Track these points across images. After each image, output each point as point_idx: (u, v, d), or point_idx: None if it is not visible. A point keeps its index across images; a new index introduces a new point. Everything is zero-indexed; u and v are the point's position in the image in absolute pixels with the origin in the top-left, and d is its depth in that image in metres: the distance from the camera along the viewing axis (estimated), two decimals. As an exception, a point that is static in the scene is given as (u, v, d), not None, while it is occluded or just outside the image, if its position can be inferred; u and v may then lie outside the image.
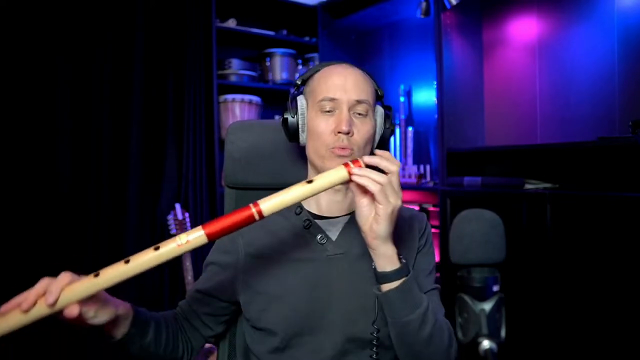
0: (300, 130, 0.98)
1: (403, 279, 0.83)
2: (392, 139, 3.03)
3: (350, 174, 0.79)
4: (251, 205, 0.74)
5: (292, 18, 3.10)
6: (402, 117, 2.77)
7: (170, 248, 0.72)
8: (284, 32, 2.98)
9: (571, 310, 1.72)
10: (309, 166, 1.02)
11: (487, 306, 0.56)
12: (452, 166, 2.31)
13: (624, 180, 1.80)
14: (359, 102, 0.93)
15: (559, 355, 1.76)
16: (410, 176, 2.63)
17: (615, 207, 1.58)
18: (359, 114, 0.94)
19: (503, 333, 0.56)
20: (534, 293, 1.83)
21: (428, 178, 2.56)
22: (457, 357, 0.92)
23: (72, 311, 0.71)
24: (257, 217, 0.74)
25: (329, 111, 0.94)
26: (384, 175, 0.79)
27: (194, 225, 2.51)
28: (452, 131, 2.32)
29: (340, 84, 0.93)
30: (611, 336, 1.60)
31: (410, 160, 2.70)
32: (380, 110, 1.00)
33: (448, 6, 2.25)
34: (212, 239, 0.73)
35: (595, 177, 1.92)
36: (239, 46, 2.98)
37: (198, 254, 2.55)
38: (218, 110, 2.68)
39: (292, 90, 1.03)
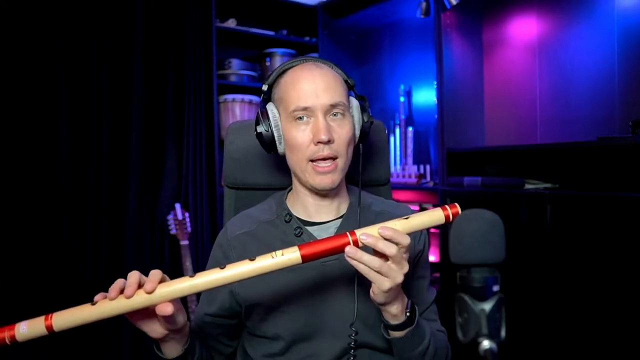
0: (277, 142, 0.94)
1: (407, 330, 0.85)
2: (392, 138, 3.02)
3: (447, 218, 0.76)
4: (348, 234, 0.75)
5: (292, 18, 3.10)
6: (402, 117, 2.77)
7: (265, 260, 0.72)
8: (284, 32, 2.98)
9: (571, 310, 1.72)
10: (292, 175, 1.00)
11: (487, 306, 0.56)
12: (452, 166, 2.31)
13: (624, 180, 1.80)
14: (333, 105, 0.90)
15: (559, 355, 1.76)
16: (410, 176, 2.63)
17: (615, 207, 1.58)
18: (335, 116, 0.91)
19: (503, 333, 0.56)
20: (534, 293, 1.83)
21: (428, 178, 2.56)
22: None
23: (167, 308, 0.71)
24: (351, 243, 0.75)
25: (303, 120, 0.90)
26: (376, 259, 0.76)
27: (193, 225, 2.51)
28: (452, 131, 2.32)
29: (311, 90, 0.89)
30: (611, 336, 1.60)
31: (410, 160, 2.70)
32: (354, 103, 0.97)
33: (448, 6, 2.25)
34: (305, 260, 0.73)
35: (595, 177, 1.92)
36: (239, 46, 2.97)
37: (198, 254, 2.54)
38: (218, 110, 2.68)
39: (261, 98, 0.99)
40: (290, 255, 0.72)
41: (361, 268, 0.76)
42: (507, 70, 2.37)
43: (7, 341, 0.66)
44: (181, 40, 2.58)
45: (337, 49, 3.08)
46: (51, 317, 0.67)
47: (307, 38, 3.07)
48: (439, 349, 0.93)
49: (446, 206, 0.76)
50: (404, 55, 2.90)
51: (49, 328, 0.67)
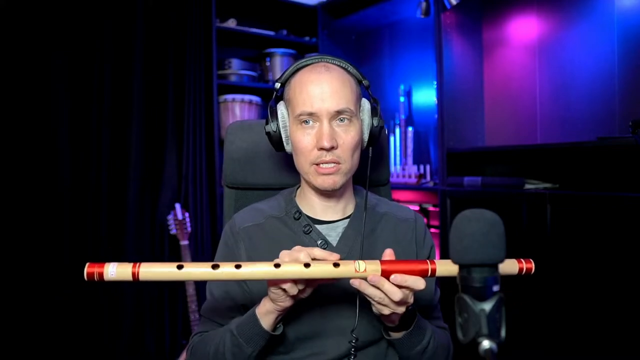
0: (284, 142, 0.96)
1: (404, 332, 0.90)
2: (392, 139, 3.02)
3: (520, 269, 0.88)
4: (428, 261, 0.78)
5: (292, 18, 3.10)
6: (402, 117, 2.77)
7: (347, 269, 0.77)
8: (284, 32, 2.98)
9: (571, 310, 1.72)
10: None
11: (487, 306, 0.56)
12: (452, 166, 2.31)
13: (624, 180, 1.80)
14: (339, 112, 0.89)
15: (559, 355, 1.76)
16: (410, 176, 2.63)
17: (615, 207, 1.58)
18: (342, 121, 0.91)
19: (503, 333, 0.56)
20: (534, 293, 1.83)
21: (428, 178, 2.56)
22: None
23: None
24: (430, 273, 0.77)
25: (309, 124, 0.90)
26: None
27: (193, 225, 2.51)
28: (452, 131, 2.32)
29: (318, 95, 0.89)
30: (611, 336, 1.60)
31: (410, 160, 2.71)
32: (366, 106, 0.97)
33: (448, 6, 2.25)
34: (385, 275, 0.77)
35: (595, 177, 1.92)
36: (239, 46, 2.98)
37: (198, 254, 2.54)
38: (218, 110, 2.68)
39: (274, 95, 0.98)
40: (373, 268, 0.76)
41: (365, 295, 0.81)
42: (507, 70, 2.37)
43: (95, 277, 0.72)
44: (181, 40, 2.58)
45: (337, 49, 3.08)
46: (139, 266, 0.73)
47: (307, 38, 3.07)
48: (440, 347, 0.95)
49: (521, 259, 0.84)
50: (404, 55, 2.90)
51: (135, 275, 0.73)
